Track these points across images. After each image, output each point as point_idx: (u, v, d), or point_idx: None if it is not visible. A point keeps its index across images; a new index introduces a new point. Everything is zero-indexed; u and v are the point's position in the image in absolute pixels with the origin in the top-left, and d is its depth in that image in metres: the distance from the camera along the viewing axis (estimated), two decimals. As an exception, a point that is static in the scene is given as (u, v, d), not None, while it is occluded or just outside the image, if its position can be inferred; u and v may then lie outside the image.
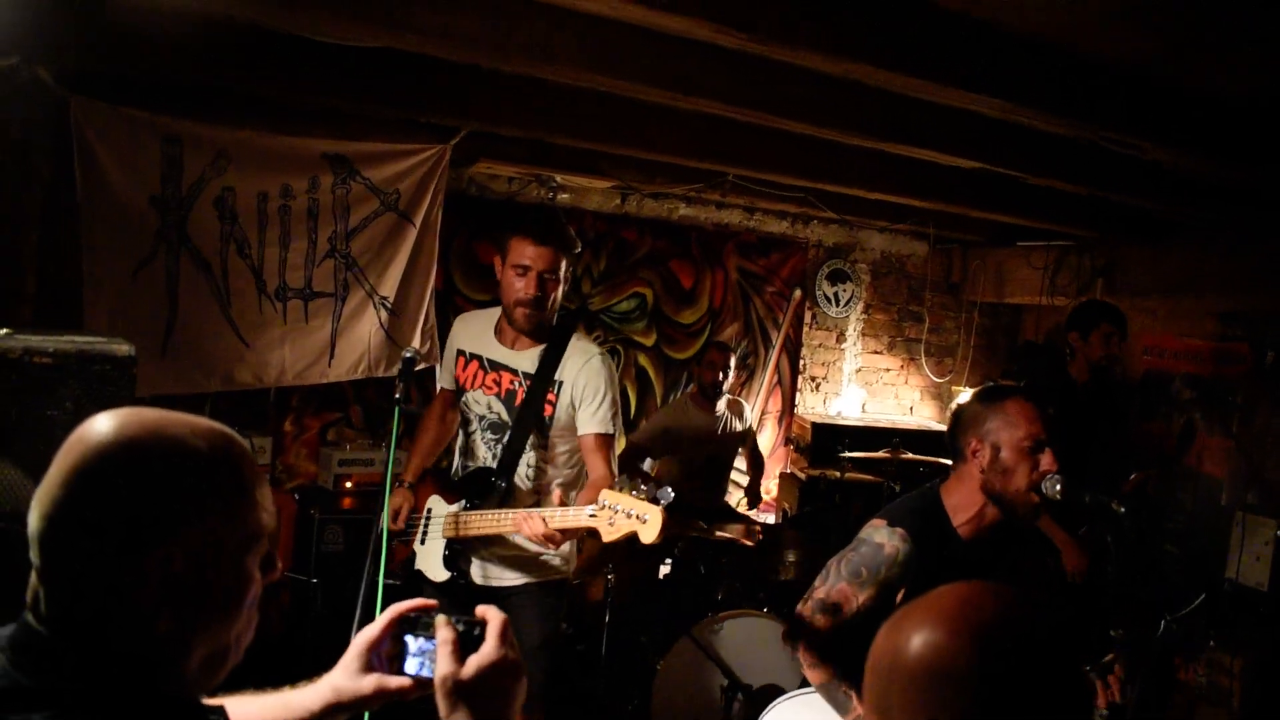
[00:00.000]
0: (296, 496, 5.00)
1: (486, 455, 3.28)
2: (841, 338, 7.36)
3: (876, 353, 7.49)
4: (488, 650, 1.25)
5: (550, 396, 3.19)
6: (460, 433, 3.42)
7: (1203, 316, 5.81)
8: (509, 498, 3.21)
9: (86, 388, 2.04)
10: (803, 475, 6.45)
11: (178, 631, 1.09)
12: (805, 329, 7.18)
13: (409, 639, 1.36)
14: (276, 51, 3.60)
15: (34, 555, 1.08)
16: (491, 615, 1.29)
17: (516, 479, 3.23)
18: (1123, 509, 2.95)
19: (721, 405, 5.51)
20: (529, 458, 3.23)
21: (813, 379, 7.28)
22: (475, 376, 3.30)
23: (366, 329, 5.06)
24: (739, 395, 6.70)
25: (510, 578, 3.27)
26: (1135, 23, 2.65)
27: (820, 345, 7.29)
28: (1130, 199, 4.62)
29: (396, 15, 2.80)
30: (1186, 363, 5.87)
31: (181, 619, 1.09)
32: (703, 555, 4.77)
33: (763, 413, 7.04)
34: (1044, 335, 7.34)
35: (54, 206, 4.33)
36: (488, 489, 3.21)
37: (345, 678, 1.38)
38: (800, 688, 2.87)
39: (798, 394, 7.19)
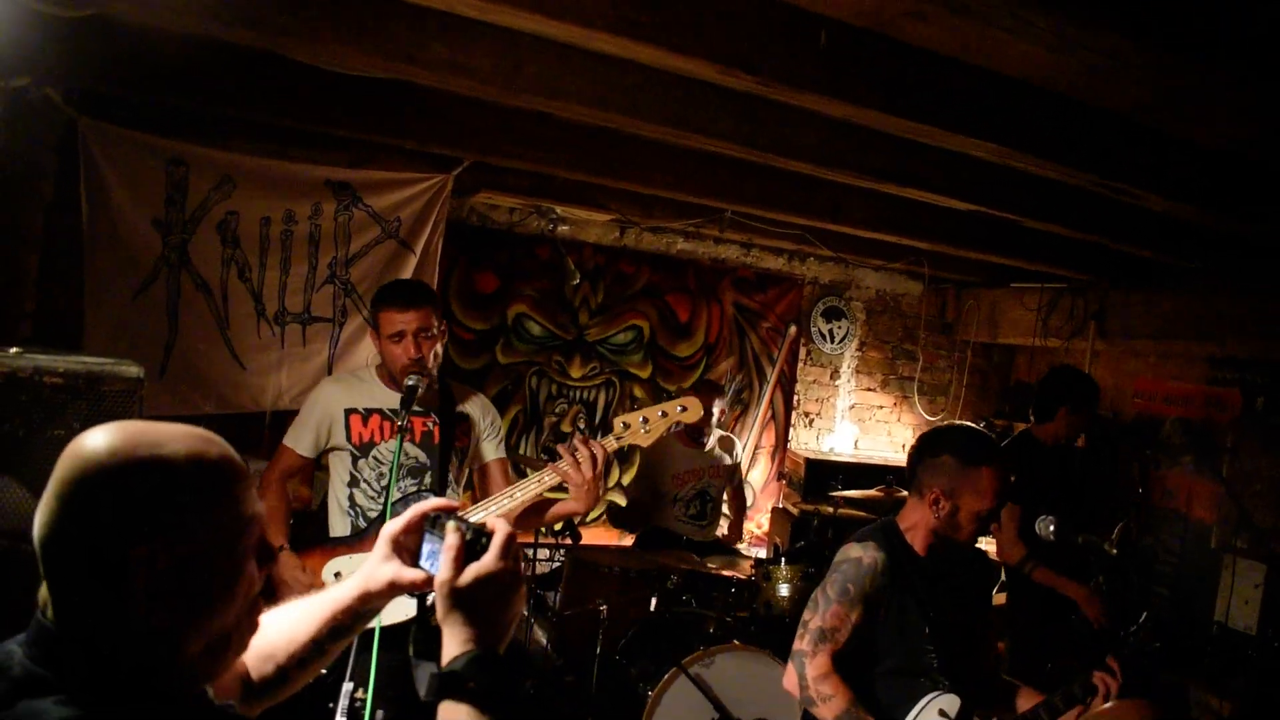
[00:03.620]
0: (290, 521, 4.98)
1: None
2: (836, 374, 7.40)
3: (870, 390, 7.52)
4: (487, 561, 1.32)
5: (461, 429, 3.40)
6: (352, 492, 3.33)
7: (1194, 360, 5.86)
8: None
9: (94, 408, 2.06)
10: (795, 511, 6.45)
11: (171, 624, 1.16)
12: (800, 365, 7.21)
13: (427, 536, 1.45)
14: (284, 78, 3.65)
15: (40, 562, 1.16)
16: (499, 527, 1.36)
17: None
18: (1115, 550, 2.99)
19: (711, 440, 5.52)
20: (450, 490, 3.38)
21: (806, 415, 7.30)
22: (382, 428, 3.32)
23: (364, 355, 5.08)
24: (732, 430, 6.72)
25: None
26: (1122, 73, 2.70)
27: (814, 381, 7.32)
28: (1123, 244, 4.68)
29: (411, 49, 2.85)
30: (1177, 406, 5.91)
31: (173, 611, 1.16)
32: (694, 588, 4.77)
33: (756, 447, 7.06)
34: (1036, 376, 7.38)
35: (54, 227, 4.36)
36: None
37: (373, 567, 1.50)
38: None
39: (791, 429, 7.22)
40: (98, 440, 1.16)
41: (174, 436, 1.20)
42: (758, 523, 7.07)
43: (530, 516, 3.25)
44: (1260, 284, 4.99)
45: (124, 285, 4.43)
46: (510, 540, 1.35)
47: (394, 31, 2.85)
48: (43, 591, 1.17)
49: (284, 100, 3.83)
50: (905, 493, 3.06)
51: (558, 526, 4.40)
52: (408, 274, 5.08)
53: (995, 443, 2.86)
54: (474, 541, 1.34)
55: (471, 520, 1.37)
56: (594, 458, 2.89)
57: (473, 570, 1.32)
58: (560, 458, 2.92)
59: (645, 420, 3.00)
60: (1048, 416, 4.68)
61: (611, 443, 2.98)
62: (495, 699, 1.23)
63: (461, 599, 1.30)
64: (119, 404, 2.08)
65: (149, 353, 4.46)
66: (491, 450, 3.53)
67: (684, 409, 3.03)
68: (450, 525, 1.36)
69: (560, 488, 2.95)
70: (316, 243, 4.94)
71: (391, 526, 1.48)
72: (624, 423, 3.02)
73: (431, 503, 1.47)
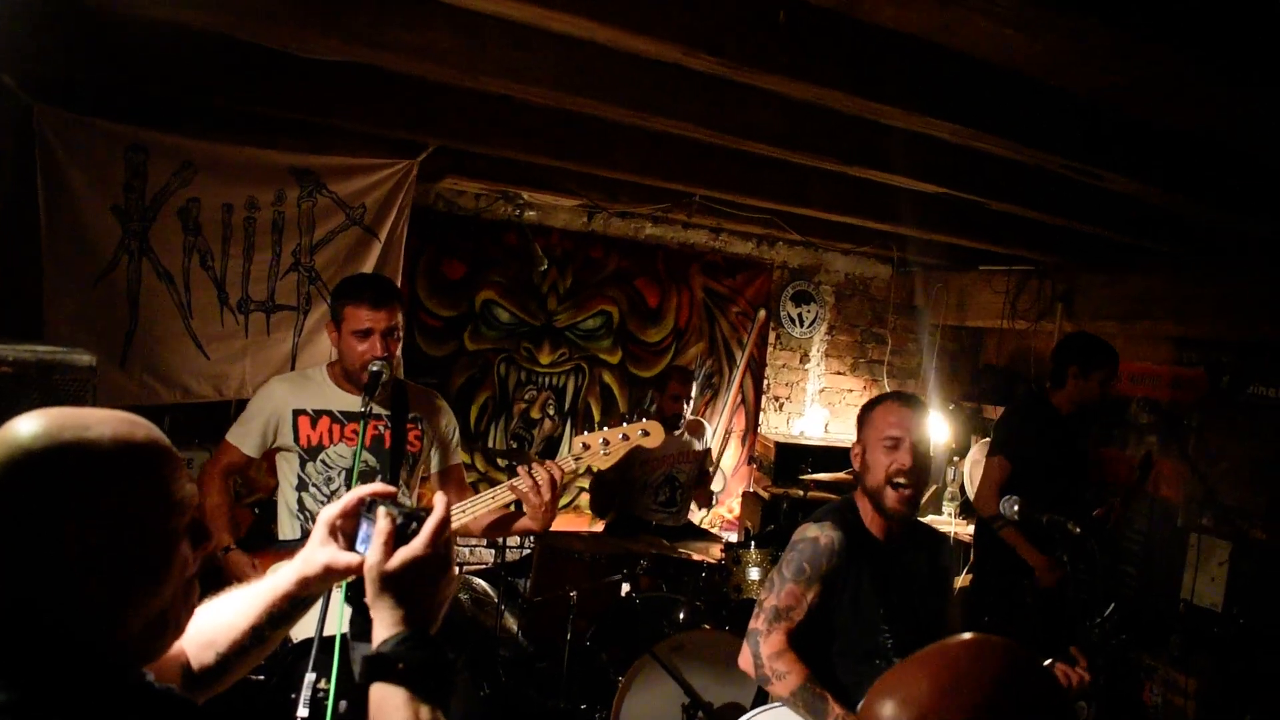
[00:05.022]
0: (256, 510, 4.94)
1: None
2: (805, 358, 7.40)
3: (840, 373, 7.54)
4: (416, 545, 1.34)
5: (414, 433, 3.34)
6: (301, 495, 3.27)
7: (1160, 341, 5.91)
8: None
9: (47, 397, 2.02)
10: (766, 494, 6.47)
11: (104, 604, 1.17)
12: (769, 349, 7.22)
13: (364, 520, 1.46)
14: (245, 63, 3.59)
15: None
16: (436, 505, 1.37)
17: None
18: (1079, 530, 2.99)
19: (681, 426, 5.50)
20: (400, 496, 3.29)
21: (776, 399, 7.31)
22: (331, 431, 3.25)
23: (328, 343, 5.02)
24: (702, 415, 6.71)
25: None
26: (1089, 59, 2.70)
27: (784, 365, 7.33)
28: (1089, 227, 4.69)
29: (370, 32, 2.80)
30: (1144, 387, 5.96)
31: (109, 588, 1.16)
32: (664, 573, 4.77)
33: (726, 432, 7.06)
34: (1005, 358, 7.42)
35: (12, 214, 4.28)
36: None
37: (310, 551, 1.50)
38: (755, 706, 2.87)
39: (761, 414, 7.23)
40: (25, 426, 1.18)
41: (100, 420, 1.22)
42: (729, 507, 7.08)
43: (486, 531, 3.22)
44: (1224, 267, 5.03)
45: (83, 273, 4.35)
46: (441, 526, 1.36)
47: (354, 13, 2.81)
48: None
49: (245, 85, 3.76)
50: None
51: None
52: (372, 261, 5.03)
53: (899, 391, 2.94)
54: (404, 526, 1.35)
55: (406, 507, 1.38)
56: (551, 480, 2.88)
57: (401, 554, 1.33)
58: (522, 473, 2.89)
59: (606, 442, 3.01)
60: (1059, 381, 4.68)
61: (570, 463, 2.97)
62: (426, 679, 1.25)
63: (390, 582, 1.32)
64: (71, 393, 2.05)
65: (110, 341, 4.40)
66: (447, 457, 3.46)
67: (645, 433, 3.04)
68: (381, 510, 1.37)
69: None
70: (280, 230, 4.88)
71: (329, 511, 1.49)
72: (584, 443, 3.02)
73: (369, 488, 1.47)
